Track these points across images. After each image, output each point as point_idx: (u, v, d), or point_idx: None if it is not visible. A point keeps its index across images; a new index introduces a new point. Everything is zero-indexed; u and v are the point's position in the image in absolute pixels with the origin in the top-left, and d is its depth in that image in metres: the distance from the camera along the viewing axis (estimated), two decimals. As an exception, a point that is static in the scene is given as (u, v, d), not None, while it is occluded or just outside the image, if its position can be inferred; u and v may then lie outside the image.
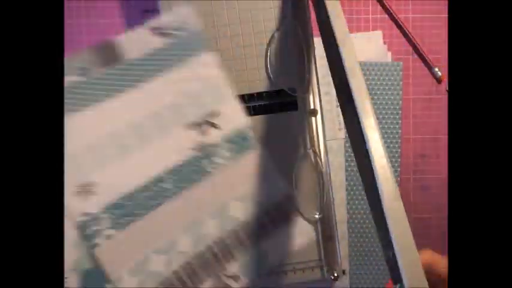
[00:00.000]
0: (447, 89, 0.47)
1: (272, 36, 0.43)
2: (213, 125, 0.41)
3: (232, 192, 0.41)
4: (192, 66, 0.41)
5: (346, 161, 0.47)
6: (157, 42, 0.41)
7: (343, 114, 0.34)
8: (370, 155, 0.29)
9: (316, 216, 0.43)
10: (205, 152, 0.41)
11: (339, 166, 0.46)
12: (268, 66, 0.43)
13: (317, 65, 0.43)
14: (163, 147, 0.40)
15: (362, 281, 0.47)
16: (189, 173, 0.40)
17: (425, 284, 0.26)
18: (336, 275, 0.42)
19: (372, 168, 0.28)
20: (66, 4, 0.46)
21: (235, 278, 0.40)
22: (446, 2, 0.46)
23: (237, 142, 0.42)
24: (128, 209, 0.39)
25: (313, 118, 0.43)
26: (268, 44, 0.43)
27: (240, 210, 0.41)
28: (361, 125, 0.29)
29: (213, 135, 0.41)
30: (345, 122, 0.34)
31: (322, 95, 0.44)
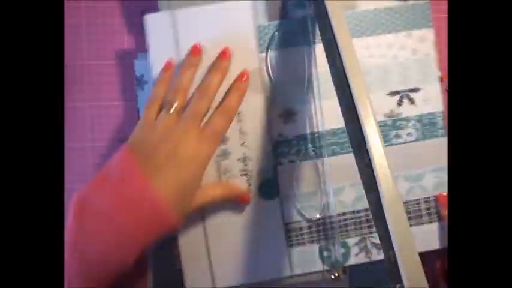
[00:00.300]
0: (447, 89, 0.47)
1: (272, 36, 0.43)
2: (411, 100, 0.42)
3: (405, 170, 0.43)
4: (411, 37, 0.43)
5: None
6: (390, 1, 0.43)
7: (342, 114, 0.34)
8: (370, 155, 0.29)
9: (317, 216, 0.43)
10: (396, 123, 0.43)
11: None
12: (269, 67, 0.43)
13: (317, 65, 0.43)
14: None
15: (362, 281, 0.46)
16: None
17: (426, 284, 0.26)
18: (336, 274, 0.42)
19: (371, 168, 0.28)
20: (66, 4, 0.47)
21: (378, 248, 0.43)
22: (446, 2, 0.46)
23: (426, 125, 0.43)
24: (313, 145, 0.43)
25: (314, 117, 0.43)
26: (268, 45, 0.43)
27: (405, 189, 0.43)
28: (361, 124, 0.30)
29: (408, 110, 0.43)
30: (345, 122, 0.34)
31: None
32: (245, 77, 0.40)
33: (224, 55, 0.40)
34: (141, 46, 0.47)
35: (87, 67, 0.47)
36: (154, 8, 0.47)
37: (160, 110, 0.38)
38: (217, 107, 0.39)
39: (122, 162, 0.35)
